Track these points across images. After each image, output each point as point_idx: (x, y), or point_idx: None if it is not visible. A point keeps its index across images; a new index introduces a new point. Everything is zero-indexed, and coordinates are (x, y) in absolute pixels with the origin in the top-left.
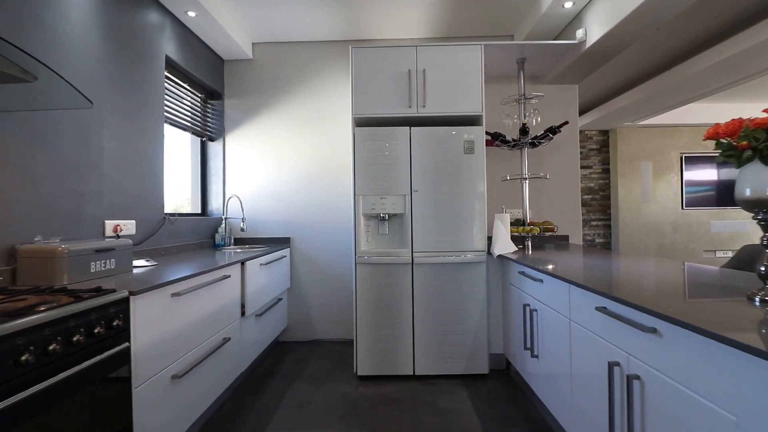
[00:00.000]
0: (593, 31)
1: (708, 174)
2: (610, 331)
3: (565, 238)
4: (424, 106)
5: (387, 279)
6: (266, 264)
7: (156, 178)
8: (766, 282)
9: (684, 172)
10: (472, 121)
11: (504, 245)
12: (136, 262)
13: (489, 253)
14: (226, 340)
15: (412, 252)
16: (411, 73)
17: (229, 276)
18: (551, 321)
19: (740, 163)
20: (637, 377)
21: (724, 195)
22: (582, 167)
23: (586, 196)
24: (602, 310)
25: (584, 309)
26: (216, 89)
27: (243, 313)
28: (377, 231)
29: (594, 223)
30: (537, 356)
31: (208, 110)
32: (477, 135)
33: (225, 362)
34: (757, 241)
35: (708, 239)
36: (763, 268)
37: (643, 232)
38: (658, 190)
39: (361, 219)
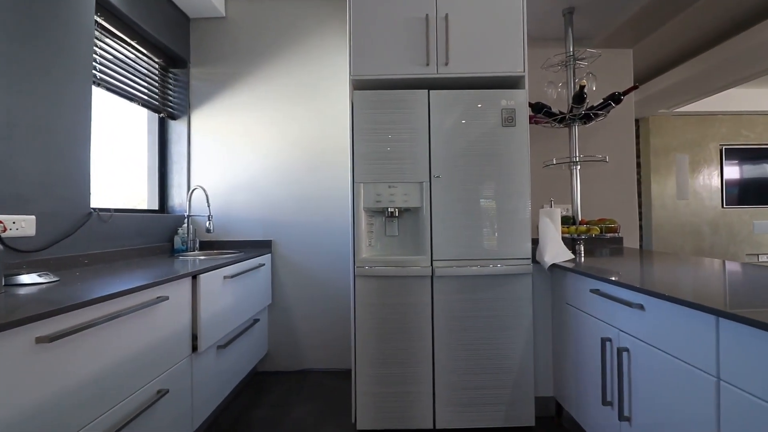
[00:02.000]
0: None
1: (751, 169)
2: None
3: (620, 240)
4: (446, 64)
5: (397, 297)
6: (234, 276)
7: (77, 158)
8: None
9: (724, 166)
10: (511, 83)
11: (556, 251)
12: (23, 278)
13: (535, 261)
14: (163, 392)
15: (431, 260)
16: (429, 18)
17: (167, 298)
18: (665, 372)
19: None
20: None
21: (765, 191)
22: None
23: (636, 189)
24: None
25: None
26: (179, 54)
27: (195, 348)
28: (383, 231)
29: None
30: (628, 419)
31: (170, 80)
32: (519, 101)
33: (161, 424)
34: None
35: (751, 241)
36: None
37: (679, 234)
38: (696, 187)
39: (362, 216)
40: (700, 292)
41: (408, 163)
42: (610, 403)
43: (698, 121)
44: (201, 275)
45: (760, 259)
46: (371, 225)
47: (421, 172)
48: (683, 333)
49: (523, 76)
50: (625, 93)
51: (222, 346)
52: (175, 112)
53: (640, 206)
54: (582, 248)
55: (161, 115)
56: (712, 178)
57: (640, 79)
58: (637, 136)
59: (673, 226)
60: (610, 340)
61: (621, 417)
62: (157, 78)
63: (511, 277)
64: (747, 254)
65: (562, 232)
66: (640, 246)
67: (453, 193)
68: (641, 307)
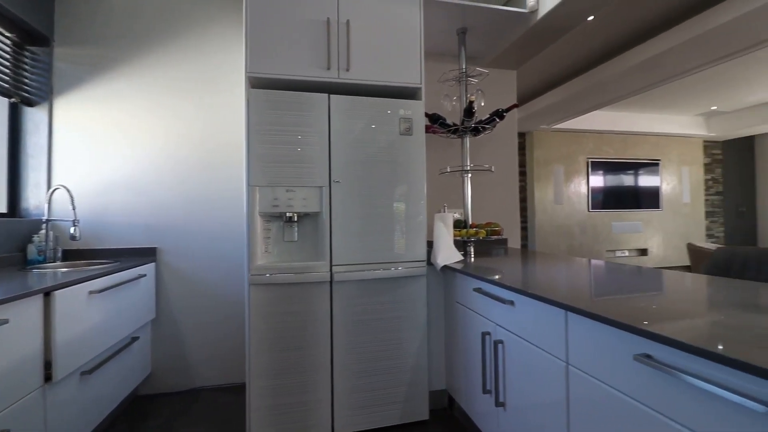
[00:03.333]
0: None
1: (611, 179)
2: (662, 398)
3: (504, 241)
4: (347, 70)
5: (295, 304)
6: (103, 290)
7: None
8: None
9: (590, 176)
10: (409, 94)
11: (448, 253)
12: None
13: (430, 263)
14: None
15: (331, 265)
16: (330, 23)
17: (5, 321)
18: (530, 361)
19: None
20: None
21: (621, 197)
22: None
23: (518, 195)
24: (644, 359)
25: (601, 352)
26: (39, 30)
27: (48, 377)
28: (282, 237)
29: None
30: (503, 404)
31: (26, 60)
32: (416, 112)
33: None
34: (656, 243)
35: (609, 240)
36: None
37: (556, 234)
38: (569, 193)
39: (257, 220)
40: (556, 288)
41: (307, 167)
42: (490, 391)
43: (571, 137)
44: (57, 291)
45: (617, 255)
46: (268, 230)
47: (320, 177)
48: (543, 325)
49: (420, 88)
50: (507, 110)
51: (87, 372)
52: (33, 97)
53: (525, 210)
54: (472, 250)
55: (12, 99)
56: (581, 186)
57: (526, 98)
58: (524, 148)
59: (551, 227)
60: (489, 333)
61: (497, 403)
62: (8, 56)
63: (408, 279)
64: (607, 250)
65: (455, 235)
66: (524, 246)
67: (353, 198)
68: (512, 303)
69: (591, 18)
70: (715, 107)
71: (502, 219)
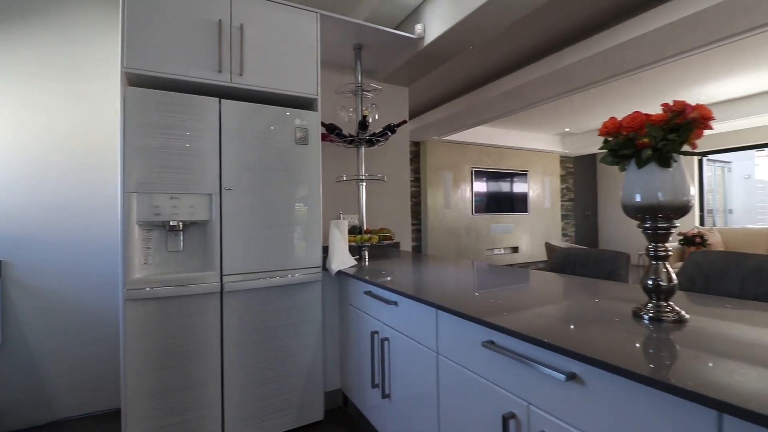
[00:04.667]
0: (432, 28)
1: (490, 185)
2: (502, 374)
3: (397, 245)
4: (241, 75)
5: (180, 318)
6: None
7: None
8: (652, 296)
9: (474, 183)
10: (304, 104)
11: (342, 259)
12: None
13: (325, 268)
14: None
15: (221, 275)
16: (222, 24)
17: None
18: (410, 354)
19: (641, 163)
20: None
21: (498, 202)
22: None
23: (409, 201)
24: (489, 345)
25: (461, 342)
26: None
27: None
28: (165, 247)
29: None
30: (389, 396)
31: None
32: (312, 122)
33: None
34: (525, 242)
35: (489, 240)
36: (650, 282)
37: (446, 235)
38: (456, 198)
39: (134, 230)
40: (430, 289)
41: (195, 174)
42: (378, 386)
43: (458, 148)
44: None
45: (495, 253)
46: (148, 240)
47: (210, 184)
48: (420, 322)
49: (316, 99)
50: (398, 125)
51: None
52: None
53: (420, 214)
54: (366, 254)
55: None
56: (466, 192)
57: (419, 111)
58: (419, 156)
59: (442, 230)
60: (377, 332)
61: (383, 396)
62: None
63: (304, 285)
64: (486, 249)
65: (350, 241)
66: (417, 248)
67: (246, 206)
68: (396, 303)
69: (471, 47)
70: (568, 129)
71: (395, 224)
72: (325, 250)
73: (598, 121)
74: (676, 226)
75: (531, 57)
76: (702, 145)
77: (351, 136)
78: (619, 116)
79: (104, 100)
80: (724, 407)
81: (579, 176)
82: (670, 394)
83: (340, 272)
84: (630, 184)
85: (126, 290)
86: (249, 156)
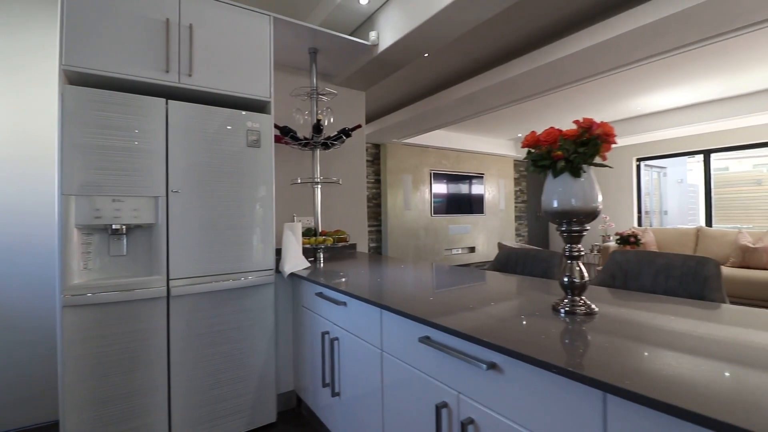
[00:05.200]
0: (386, 36)
1: (449, 187)
2: (437, 367)
3: (354, 246)
4: (190, 75)
5: (124, 324)
6: None
7: None
8: (567, 291)
9: (432, 185)
10: (257, 107)
11: (296, 261)
12: None
13: (278, 271)
14: None
15: (167, 280)
16: (170, 24)
17: None
18: (358, 352)
19: (556, 173)
20: (471, 421)
21: (456, 204)
22: None
23: (365, 203)
24: (426, 341)
25: (401, 339)
26: None
27: None
28: (107, 251)
29: (368, 228)
30: (339, 394)
31: None
32: (264, 125)
33: None
34: (481, 242)
35: (447, 240)
36: (566, 279)
37: (406, 236)
38: (416, 200)
39: (73, 234)
40: (377, 289)
41: (140, 176)
42: (328, 384)
43: (418, 151)
44: None
45: (453, 253)
46: (88, 244)
47: (156, 186)
48: (367, 321)
49: (269, 102)
50: (353, 129)
51: None
52: None
53: (380, 215)
54: (322, 256)
55: None
56: (426, 194)
57: (378, 114)
58: (379, 158)
59: (402, 230)
60: (328, 332)
61: (333, 394)
62: None
63: (256, 288)
64: (445, 249)
65: (305, 243)
66: (377, 249)
67: (195, 209)
68: (345, 304)
69: (426, 55)
70: (520, 135)
71: (352, 226)
72: (279, 252)
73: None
74: (587, 230)
75: (481, 67)
76: (640, 151)
77: (306, 139)
78: (566, 124)
79: (45, 99)
80: (605, 387)
81: (531, 180)
82: (565, 378)
83: (292, 274)
84: (548, 192)
85: (63, 296)
86: (198, 158)
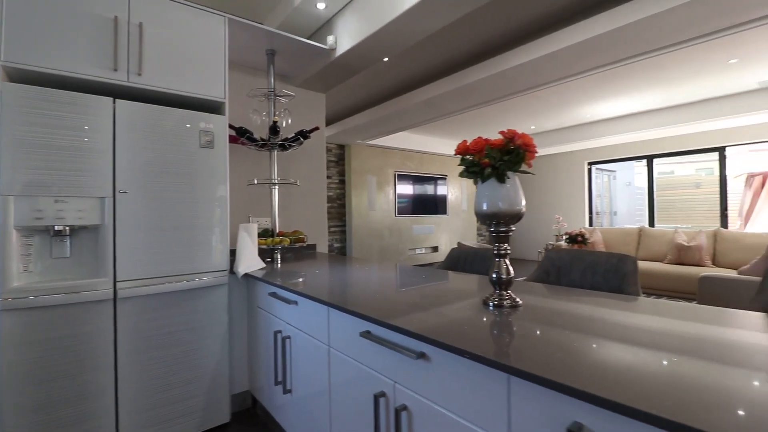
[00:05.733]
0: (343, 41)
1: (413, 189)
2: (376, 359)
3: (313, 247)
4: (139, 74)
5: (68, 328)
6: None
7: None
8: (496, 286)
9: (397, 186)
10: (212, 107)
11: (250, 262)
12: None
13: (233, 272)
14: None
15: (114, 282)
16: (119, 21)
17: None
18: (308, 349)
19: (484, 178)
20: (405, 408)
21: (420, 204)
22: None
23: (326, 204)
24: (366, 335)
25: (346, 334)
26: None
27: None
28: (49, 253)
29: (332, 229)
30: (290, 391)
31: None
32: (219, 126)
33: None
34: (444, 241)
35: (411, 240)
36: (494, 275)
37: (370, 236)
38: (380, 201)
39: (11, 235)
40: (326, 288)
41: (86, 176)
42: (281, 382)
43: (382, 152)
44: None
45: (416, 252)
46: (29, 246)
47: (103, 187)
48: (316, 319)
49: (223, 103)
50: (310, 132)
51: None
52: None
53: (344, 215)
54: (279, 256)
55: None
56: (390, 195)
57: (342, 115)
58: (344, 159)
59: (366, 230)
60: (280, 331)
61: (285, 391)
62: None
63: (209, 289)
64: (409, 249)
65: (261, 244)
66: (342, 249)
67: (145, 210)
68: (296, 303)
69: (386, 59)
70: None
71: (312, 226)
72: (234, 253)
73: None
74: (512, 230)
75: (440, 72)
76: (591, 156)
77: (263, 140)
78: (524, 128)
79: None
80: (508, 369)
81: None
82: (477, 363)
83: (247, 275)
84: (479, 196)
85: (1, 299)
86: (149, 159)
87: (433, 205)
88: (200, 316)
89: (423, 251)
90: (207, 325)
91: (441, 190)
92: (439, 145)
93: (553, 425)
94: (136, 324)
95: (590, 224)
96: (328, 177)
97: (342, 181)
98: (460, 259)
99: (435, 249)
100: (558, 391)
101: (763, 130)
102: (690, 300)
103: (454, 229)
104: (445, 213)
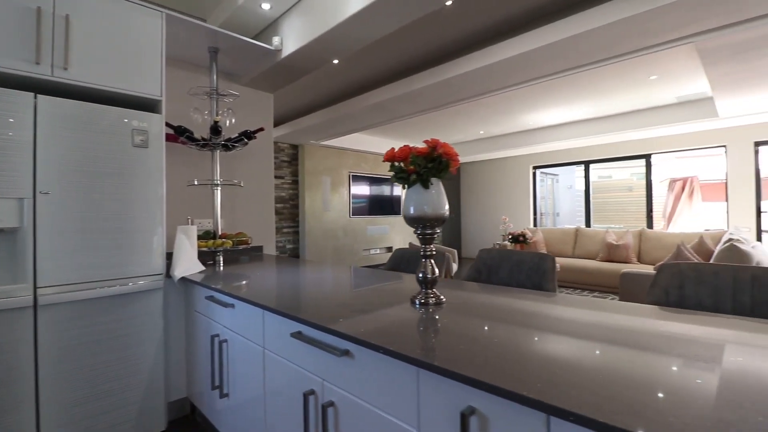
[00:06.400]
0: (289, 42)
1: (368, 190)
2: (307, 358)
3: (260, 248)
4: (65, 69)
5: None
6: None
7: None
8: (422, 285)
9: (351, 187)
10: (147, 105)
11: (188, 265)
12: None
13: (169, 276)
14: None
15: (35, 288)
16: (42, 12)
17: None
18: (244, 352)
19: (409, 184)
20: (332, 404)
21: (374, 205)
22: (275, 177)
23: (278, 205)
24: (297, 335)
25: (279, 336)
26: None
27: None
28: None
29: (285, 230)
30: (227, 395)
31: None
32: (154, 125)
33: None
34: (398, 242)
35: (365, 240)
36: (420, 275)
37: (325, 237)
38: (334, 201)
39: None
40: (264, 291)
41: (1, 176)
42: (218, 387)
43: (336, 153)
44: None
45: (371, 252)
46: None
47: (21, 187)
48: (252, 322)
49: (160, 101)
50: (255, 132)
51: None
52: None
53: (297, 216)
54: (221, 259)
55: None
56: (344, 196)
57: (294, 115)
58: (297, 159)
59: (320, 231)
60: (217, 335)
61: (222, 395)
62: None
63: (142, 293)
64: (363, 249)
65: (202, 246)
66: (295, 250)
67: (71, 212)
68: (233, 306)
69: (336, 62)
70: None
71: (259, 228)
72: (171, 256)
73: (460, 135)
74: (438, 233)
75: (390, 76)
76: (535, 160)
77: (204, 139)
78: (473, 132)
79: None
80: (415, 362)
81: (444, 183)
82: (391, 357)
83: (183, 278)
84: (407, 200)
85: None
86: (76, 159)
87: (388, 206)
88: (133, 321)
89: (377, 251)
90: (141, 331)
91: (396, 191)
92: (393, 147)
93: (451, 410)
94: (60, 332)
95: (534, 225)
96: (281, 177)
97: (295, 182)
98: (403, 260)
99: (389, 249)
100: (454, 379)
101: (684, 139)
102: (616, 295)
103: (408, 230)
104: (399, 214)
